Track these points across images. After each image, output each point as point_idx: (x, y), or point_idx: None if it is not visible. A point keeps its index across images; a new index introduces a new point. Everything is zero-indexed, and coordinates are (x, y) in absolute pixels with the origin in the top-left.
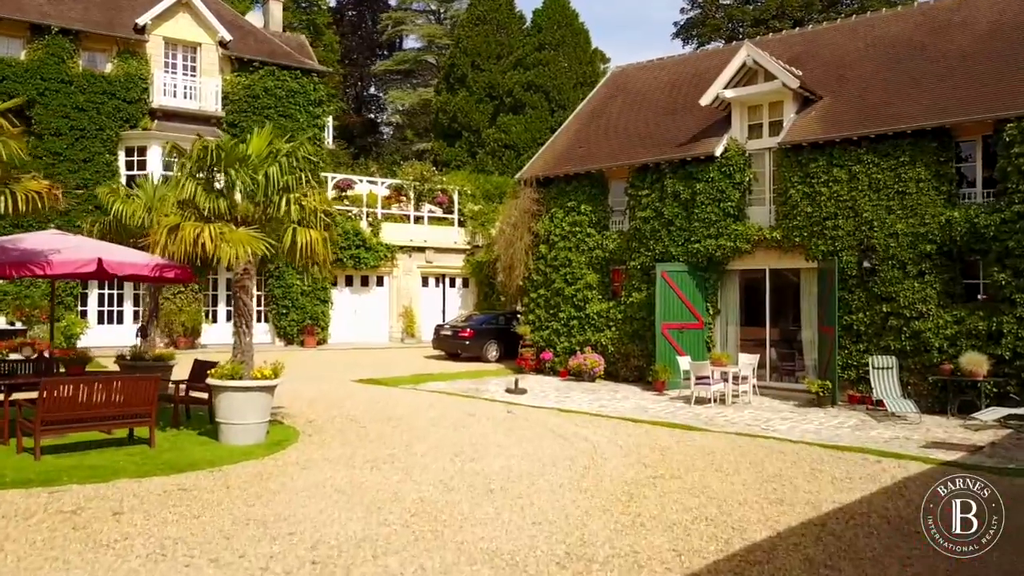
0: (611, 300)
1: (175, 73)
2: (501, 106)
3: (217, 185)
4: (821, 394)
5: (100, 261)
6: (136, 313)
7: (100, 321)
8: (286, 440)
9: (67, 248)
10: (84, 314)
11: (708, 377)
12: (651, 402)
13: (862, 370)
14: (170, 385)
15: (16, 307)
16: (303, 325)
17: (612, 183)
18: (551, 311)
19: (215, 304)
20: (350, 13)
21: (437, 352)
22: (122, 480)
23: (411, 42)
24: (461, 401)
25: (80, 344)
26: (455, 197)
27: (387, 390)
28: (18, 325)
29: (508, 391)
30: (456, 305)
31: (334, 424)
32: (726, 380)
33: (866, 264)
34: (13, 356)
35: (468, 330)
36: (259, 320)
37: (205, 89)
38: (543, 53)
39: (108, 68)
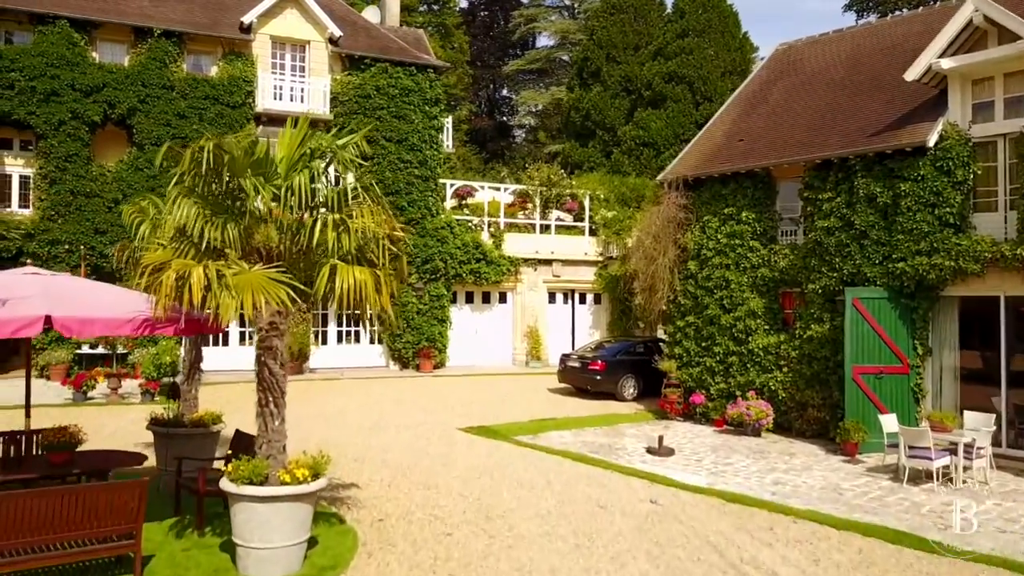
0: (782, 332)
1: (282, 74)
2: (639, 100)
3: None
4: None
5: (48, 319)
6: (243, 335)
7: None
8: (332, 566)
9: (15, 299)
10: None
11: (928, 448)
12: (844, 476)
13: None
14: (210, 459)
15: None
16: (419, 347)
17: (781, 184)
18: (703, 344)
19: (324, 324)
20: (482, 13)
21: (563, 385)
22: None
23: (544, 39)
24: (588, 473)
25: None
26: (586, 203)
27: (496, 448)
28: (119, 349)
29: (650, 451)
30: (587, 324)
31: (411, 527)
32: (953, 452)
33: None
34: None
35: (599, 362)
36: (372, 342)
37: (313, 90)
38: (686, 40)
39: (213, 71)
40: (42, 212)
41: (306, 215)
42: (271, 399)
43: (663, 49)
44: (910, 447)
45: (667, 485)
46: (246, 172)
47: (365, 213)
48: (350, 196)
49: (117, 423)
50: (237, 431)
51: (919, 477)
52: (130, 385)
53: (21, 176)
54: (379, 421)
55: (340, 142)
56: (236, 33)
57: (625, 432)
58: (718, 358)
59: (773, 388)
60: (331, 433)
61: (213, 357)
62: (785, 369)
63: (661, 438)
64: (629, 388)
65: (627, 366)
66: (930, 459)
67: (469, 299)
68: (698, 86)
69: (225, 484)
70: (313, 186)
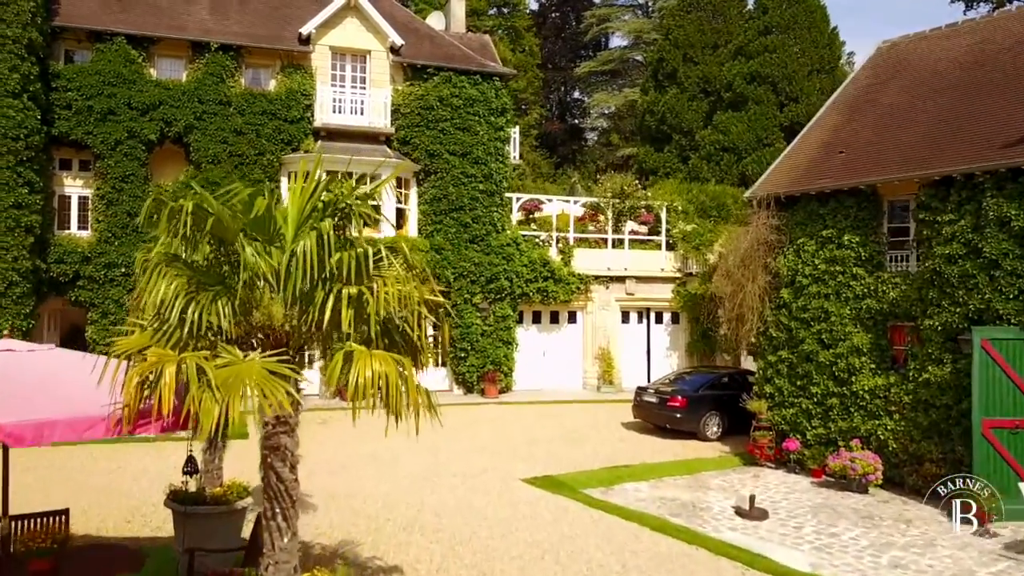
0: (891, 373)
1: (342, 86)
2: (718, 102)
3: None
4: None
5: None
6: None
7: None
8: None
9: None
10: None
11: None
12: (978, 556)
13: None
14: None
15: None
16: (483, 371)
17: (890, 203)
18: (798, 383)
19: None
20: (553, 15)
21: (638, 419)
22: None
23: (616, 40)
24: (670, 552)
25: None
26: (662, 215)
27: (564, 512)
28: None
29: (739, 513)
30: (664, 344)
31: None
32: None
33: None
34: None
35: (679, 397)
36: (436, 364)
37: (373, 102)
38: (769, 38)
39: (271, 85)
40: (99, 234)
41: (317, 292)
42: (279, 510)
43: (744, 48)
44: None
45: (764, 571)
46: (239, 236)
47: (390, 283)
48: (372, 261)
49: (160, 467)
50: (259, 518)
51: None
52: None
53: (80, 197)
54: (435, 467)
55: (360, 191)
56: (294, 45)
57: (710, 484)
58: (816, 399)
59: (882, 437)
60: (381, 486)
61: None
62: (896, 416)
63: (752, 498)
64: (712, 427)
65: (710, 402)
66: None
67: (536, 319)
68: (783, 87)
69: None
70: (318, 252)
